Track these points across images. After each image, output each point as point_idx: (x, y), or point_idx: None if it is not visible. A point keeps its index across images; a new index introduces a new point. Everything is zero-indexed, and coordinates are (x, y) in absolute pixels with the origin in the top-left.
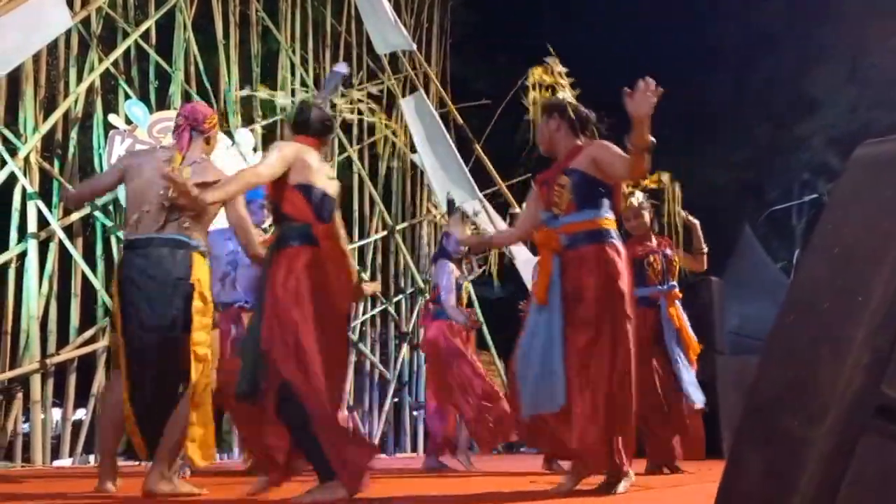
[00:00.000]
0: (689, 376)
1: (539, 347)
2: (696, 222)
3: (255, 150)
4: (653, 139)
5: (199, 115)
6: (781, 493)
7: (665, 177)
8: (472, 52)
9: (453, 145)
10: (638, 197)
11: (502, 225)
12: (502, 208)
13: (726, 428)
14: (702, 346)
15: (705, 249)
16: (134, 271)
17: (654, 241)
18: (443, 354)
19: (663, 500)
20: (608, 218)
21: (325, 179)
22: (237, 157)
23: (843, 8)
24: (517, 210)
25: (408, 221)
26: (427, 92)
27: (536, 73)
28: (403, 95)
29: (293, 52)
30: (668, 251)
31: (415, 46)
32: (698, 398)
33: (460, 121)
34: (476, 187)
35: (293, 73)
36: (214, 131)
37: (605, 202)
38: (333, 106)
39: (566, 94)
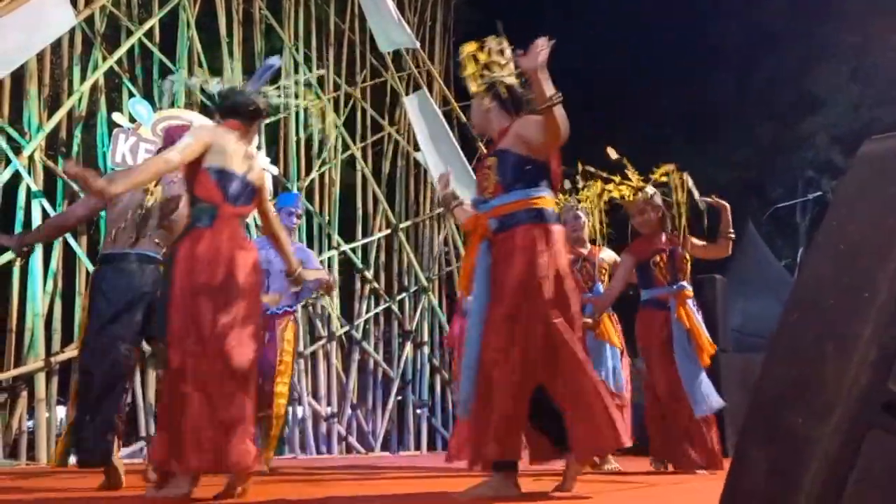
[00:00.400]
0: (693, 383)
1: (467, 343)
2: (726, 204)
3: (258, 147)
4: (556, 93)
5: (175, 134)
6: (786, 492)
7: (670, 168)
8: None
9: (457, 143)
10: (647, 192)
11: None
12: None
13: (730, 426)
14: (716, 348)
15: (732, 235)
16: (105, 284)
17: (664, 239)
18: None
19: (668, 498)
20: (540, 197)
21: (243, 163)
22: None
23: (845, 6)
24: None
25: (411, 220)
26: (430, 90)
27: (468, 49)
28: (407, 93)
29: (297, 50)
30: (679, 249)
31: (418, 44)
32: (701, 408)
33: (464, 119)
34: None
35: (296, 72)
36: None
37: (538, 180)
38: (261, 94)
39: (502, 73)
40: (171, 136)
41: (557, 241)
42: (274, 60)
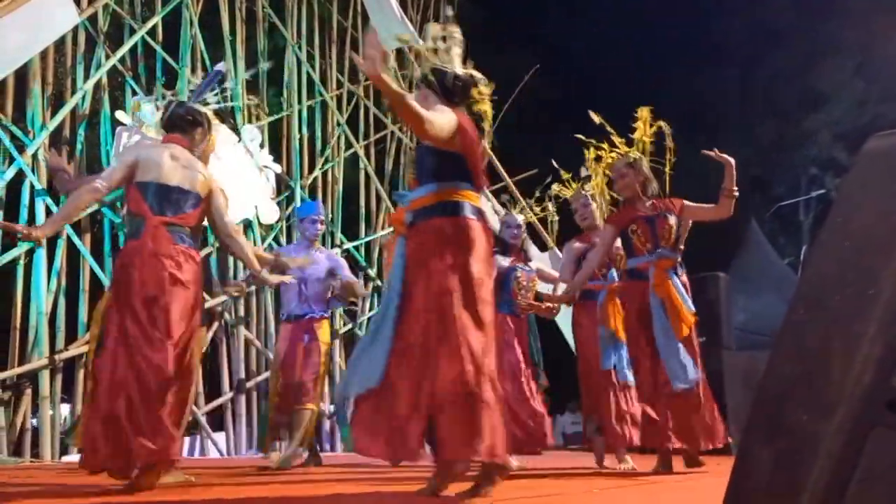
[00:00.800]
0: (669, 357)
1: (372, 329)
2: (730, 159)
3: (261, 146)
4: (397, 91)
5: None
6: (791, 489)
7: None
8: (479, 48)
9: None
10: (630, 156)
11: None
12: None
13: (733, 423)
14: (696, 316)
15: (736, 193)
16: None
17: (648, 205)
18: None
19: (672, 496)
20: (456, 190)
21: (178, 174)
22: (244, 153)
23: (848, 4)
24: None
25: None
26: None
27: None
28: (410, 91)
29: (299, 48)
30: (664, 215)
31: (421, 42)
32: (678, 382)
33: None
34: None
35: (299, 69)
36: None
37: (455, 174)
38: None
39: (442, 60)
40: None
41: (472, 235)
42: (220, 67)
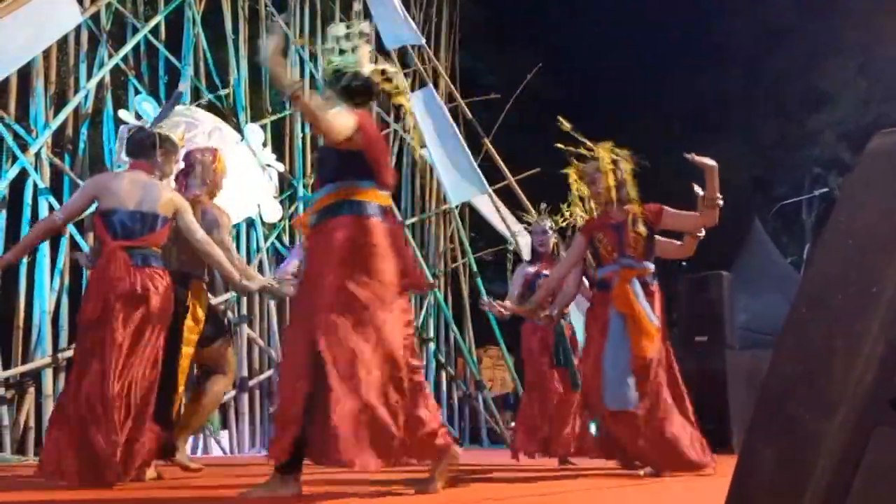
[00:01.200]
0: (613, 372)
1: None
2: (712, 163)
3: (264, 144)
4: (293, 82)
5: (195, 158)
6: (794, 487)
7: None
8: (481, 47)
9: (462, 140)
10: (604, 162)
11: (513, 221)
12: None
13: (736, 422)
14: (660, 329)
15: (720, 201)
16: None
17: (620, 212)
18: (524, 353)
19: (673, 496)
20: (358, 190)
21: (134, 197)
22: (247, 152)
23: (850, 3)
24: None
25: (417, 216)
26: (436, 86)
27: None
28: (412, 90)
29: (302, 47)
30: (632, 223)
31: (423, 41)
32: (612, 402)
33: (469, 115)
34: (486, 182)
35: (302, 68)
36: (212, 168)
37: (357, 173)
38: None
39: (340, 62)
40: (190, 160)
41: (373, 234)
42: (179, 89)
